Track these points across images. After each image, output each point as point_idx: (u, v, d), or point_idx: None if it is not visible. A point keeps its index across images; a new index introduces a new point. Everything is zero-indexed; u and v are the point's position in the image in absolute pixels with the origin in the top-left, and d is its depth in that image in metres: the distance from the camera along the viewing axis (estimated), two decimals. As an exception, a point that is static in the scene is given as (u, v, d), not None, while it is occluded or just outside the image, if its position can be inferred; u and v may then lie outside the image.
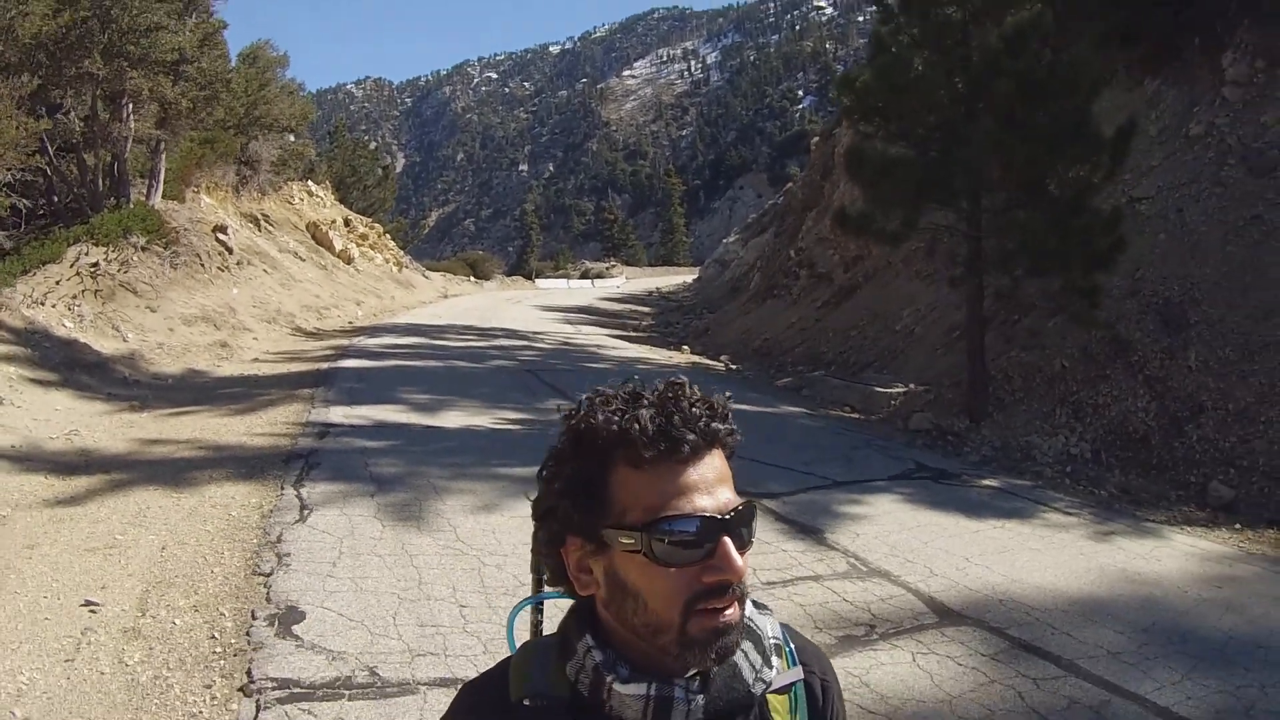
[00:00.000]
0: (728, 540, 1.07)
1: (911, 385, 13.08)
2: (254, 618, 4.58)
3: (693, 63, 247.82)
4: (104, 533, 5.86)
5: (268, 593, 4.86)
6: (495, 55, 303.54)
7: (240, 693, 3.84)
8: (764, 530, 6.11)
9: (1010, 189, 10.17)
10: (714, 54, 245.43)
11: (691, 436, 1.07)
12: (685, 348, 21.89)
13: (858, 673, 4.28)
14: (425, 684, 4.00)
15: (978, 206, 10.78)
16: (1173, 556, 6.57)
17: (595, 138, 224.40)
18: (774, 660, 1.16)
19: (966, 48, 10.52)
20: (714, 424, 1.10)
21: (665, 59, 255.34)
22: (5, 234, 18.09)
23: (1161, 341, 10.83)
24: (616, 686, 1.09)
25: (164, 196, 22.48)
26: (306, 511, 6.40)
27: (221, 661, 4.15)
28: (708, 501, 1.07)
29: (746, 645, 1.14)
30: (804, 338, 19.07)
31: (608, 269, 76.51)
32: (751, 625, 1.16)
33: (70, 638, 4.32)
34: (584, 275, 72.11)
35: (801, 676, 1.22)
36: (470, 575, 5.26)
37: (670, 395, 1.10)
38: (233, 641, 4.32)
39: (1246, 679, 4.52)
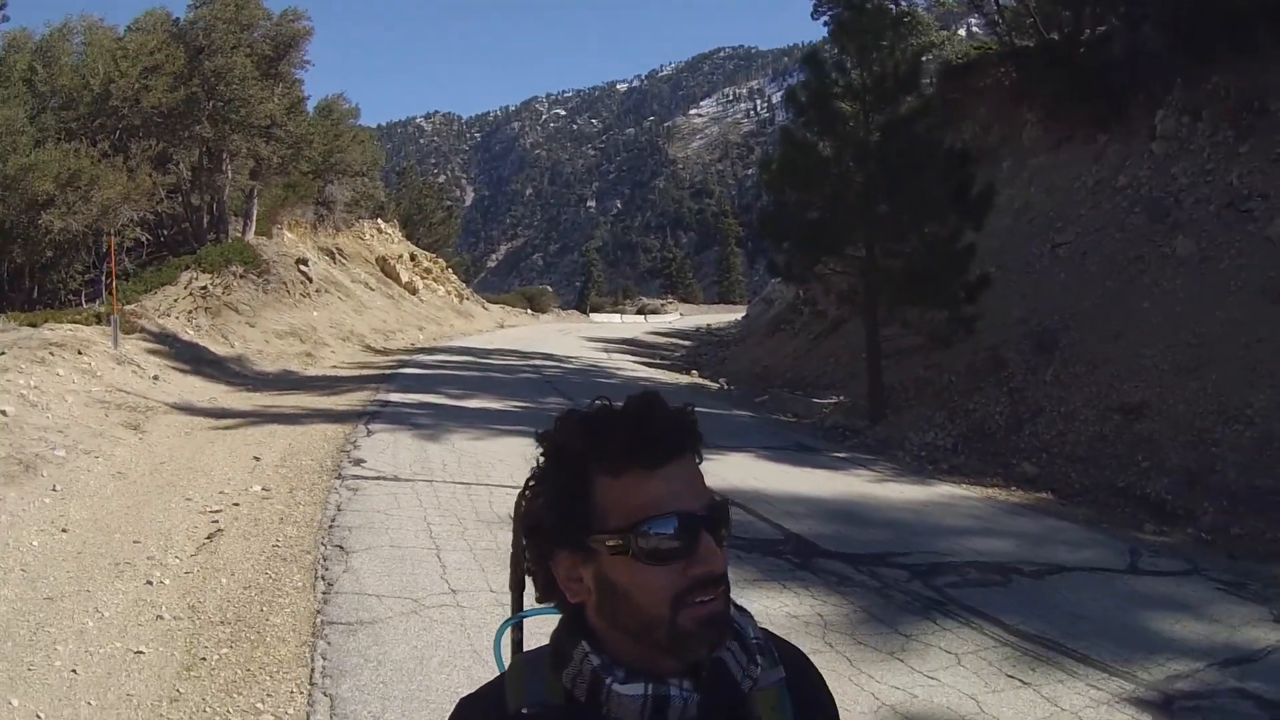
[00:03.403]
0: (707, 534, 1.13)
1: (841, 397, 16.28)
2: (341, 462, 8.93)
3: (759, 102, 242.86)
4: (253, 439, 10.17)
5: (348, 455, 9.30)
6: (563, 92, 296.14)
7: (335, 479, 8.21)
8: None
9: (881, 242, 13.51)
10: (780, 93, 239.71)
11: (663, 443, 1.13)
12: (694, 372, 23.86)
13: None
14: (417, 480, 8.39)
15: (872, 254, 13.87)
16: (918, 492, 8.44)
17: (662, 175, 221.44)
18: (759, 659, 1.21)
19: (853, 133, 13.74)
20: (682, 431, 1.16)
21: (731, 98, 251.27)
22: (129, 259, 22.52)
23: (1031, 361, 13.10)
24: (616, 688, 1.12)
25: (255, 233, 26.82)
26: (371, 433, 10.77)
27: (327, 472, 8.50)
28: (684, 501, 1.13)
29: (733, 645, 1.18)
30: (795, 364, 21.50)
31: (663, 305, 76.87)
32: (736, 626, 1.20)
33: (248, 465, 8.73)
34: (639, 311, 72.36)
35: (784, 675, 1.25)
36: (453, 457, 9.52)
37: (642, 405, 1.16)
38: (330, 468, 8.70)
39: (862, 531, 6.68)
